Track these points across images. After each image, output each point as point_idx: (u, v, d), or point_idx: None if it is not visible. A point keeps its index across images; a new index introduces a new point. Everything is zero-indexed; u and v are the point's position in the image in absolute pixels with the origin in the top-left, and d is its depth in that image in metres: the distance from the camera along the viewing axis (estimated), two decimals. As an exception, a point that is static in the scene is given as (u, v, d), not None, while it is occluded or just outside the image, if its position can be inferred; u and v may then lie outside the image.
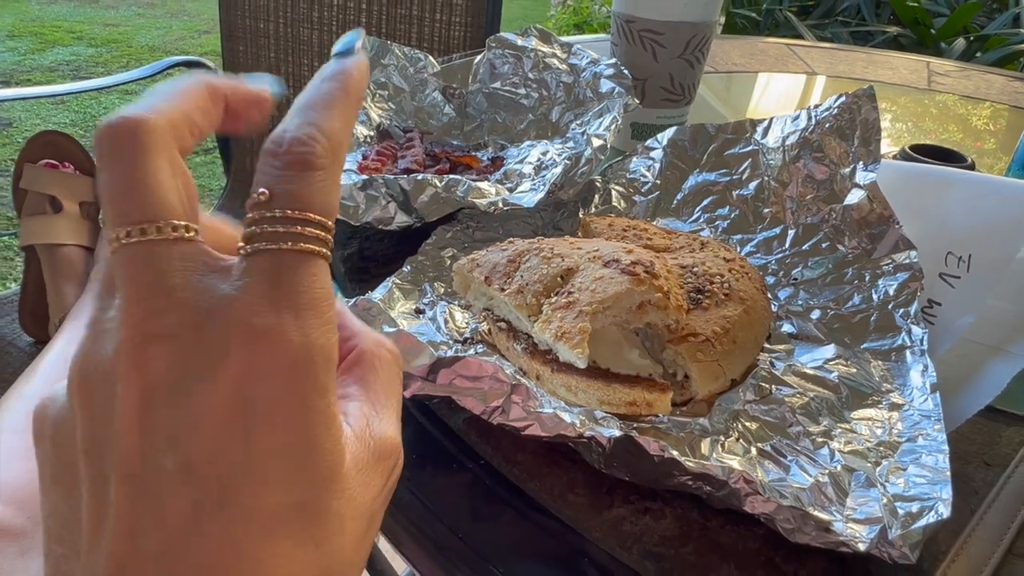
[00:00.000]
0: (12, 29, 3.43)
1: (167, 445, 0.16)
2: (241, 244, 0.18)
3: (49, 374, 0.73)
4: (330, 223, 0.18)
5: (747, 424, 0.36)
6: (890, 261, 0.43)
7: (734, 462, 0.33)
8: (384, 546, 1.11)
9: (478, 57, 0.69)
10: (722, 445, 0.35)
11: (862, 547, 0.29)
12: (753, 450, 0.35)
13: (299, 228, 0.17)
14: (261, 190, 0.18)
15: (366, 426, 0.19)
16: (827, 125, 0.47)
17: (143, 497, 0.16)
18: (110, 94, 2.85)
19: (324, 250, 0.18)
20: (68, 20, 3.61)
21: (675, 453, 0.31)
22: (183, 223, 0.17)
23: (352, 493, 0.18)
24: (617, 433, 0.31)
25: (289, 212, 0.17)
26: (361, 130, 0.63)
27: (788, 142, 0.49)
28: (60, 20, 3.59)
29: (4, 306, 0.95)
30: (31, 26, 3.49)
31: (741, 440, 0.35)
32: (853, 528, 0.30)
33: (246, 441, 0.17)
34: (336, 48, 0.21)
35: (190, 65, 1.25)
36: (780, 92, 1.00)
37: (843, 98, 0.47)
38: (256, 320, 0.17)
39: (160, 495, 0.16)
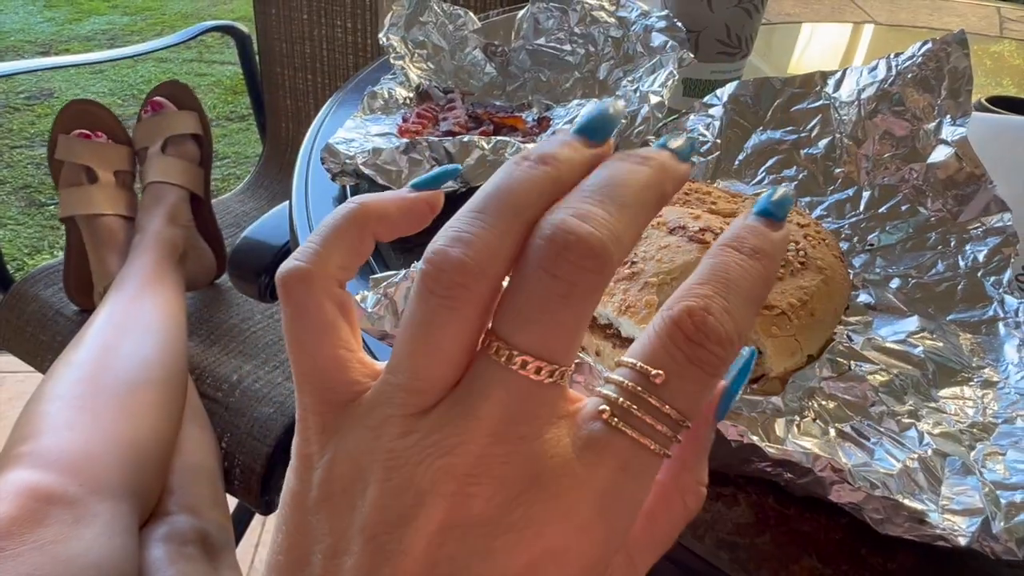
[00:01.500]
0: (49, 0, 3.46)
1: None
2: (606, 409, 0.17)
3: (95, 342, 0.74)
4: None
5: (824, 403, 0.33)
6: (979, 224, 0.40)
7: (811, 445, 0.31)
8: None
9: (521, 12, 0.65)
10: (798, 426, 0.32)
11: (963, 541, 0.27)
12: (832, 431, 0.32)
13: (670, 433, 0.17)
14: (658, 372, 0.16)
15: None
16: (909, 75, 0.43)
17: None
18: (146, 61, 2.86)
19: (667, 455, 0.17)
20: (102, -12, 3.62)
21: (755, 439, 0.28)
22: (562, 368, 0.17)
23: None
24: (690, 416, 0.29)
25: (671, 412, 0.16)
26: (400, 91, 0.60)
27: (864, 95, 0.45)
28: (95, -12, 3.61)
29: (51, 275, 0.96)
30: (67, -5, 3.50)
31: (818, 420, 0.33)
32: (951, 520, 0.27)
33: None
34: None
35: (222, 30, 1.23)
36: (826, 44, 0.94)
37: (929, 44, 0.43)
38: (581, 510, 0.16)
39: None
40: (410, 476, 0.16)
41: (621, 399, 0.16)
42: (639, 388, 0.16)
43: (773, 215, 0.19)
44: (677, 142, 0.19)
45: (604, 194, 0.17)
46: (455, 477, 0.16)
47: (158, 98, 0.98)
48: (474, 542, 0.16)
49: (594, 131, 0.18)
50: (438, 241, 0.17)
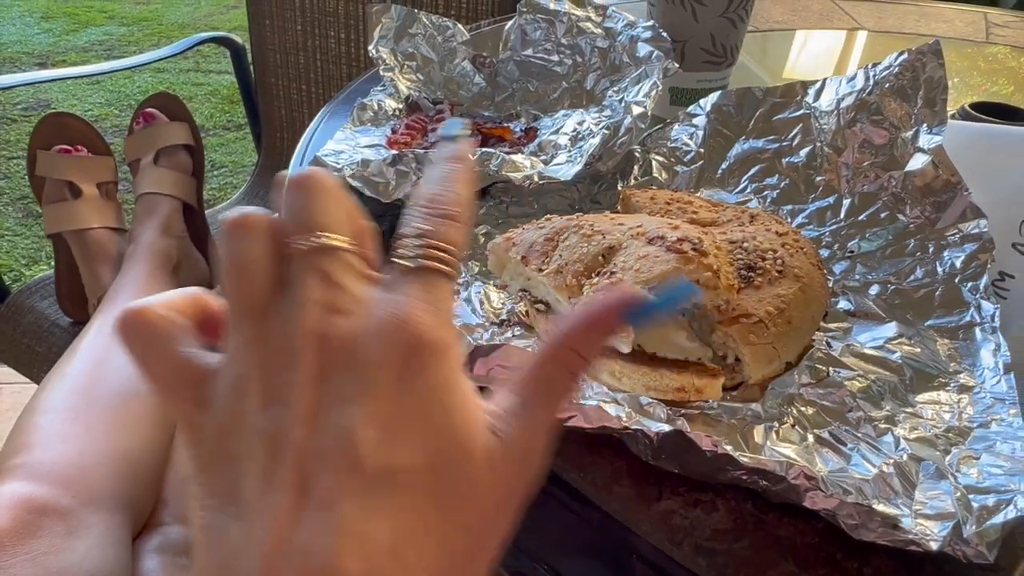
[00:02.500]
0: (46, 11, 3.47)
1: (339, 406, 0.19)
2: (396, 260, 0.21)
3: (88, 354, 0.74)
4: (461, 262, 0.22)
5: (803, 409, 0.34)
6: (956, 231, 0.40)
7: (790, 451, 0.31)
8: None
9: (509, 23, 0.66)
10: (776, 432, 0.33)
11: (934, 546, 0.27)
12: (810, 437, 0.33)
13: (446, 257, 0.21)
14: (422, 227, 0.22)
15: (513, 426, 0.21)
16: (887, 85, 0.44)
17: (315, 456, 0.18)
18: (143, 72, 2.87)
19: (456, 277, 0.22)
20: (100, 0, 3.63)
21: (729, 448, 0.29)
22: (346, 238, 0.21)
23: (481, 482, 0.20)
24: (666, 428, 0.29)
25: (437, 244, 0.21)
26: (389, 103, 0.61)
27: (843, 105, 0.45)
28: (92, 0, 3.62)
29: (47, 287, 0.96)
30: (64, 7, 3.52)
31: (797, 427, 0.33)
32: (924, 524, 0.28)
33: (400, 408, 0.19)
34: (441, 132, 0.25)
35: (218, 41, 1.24)
36: (820, 51, 0.95)
37: (905, 55, 0.43)
38: (414, 316, 0.20)
39: (331, 449, 0.18)
40: (279, 345, 0.20)
41: (401, 251, 0.21)
42: (410, 241, 0.21)
43: (447, 136, 0.24)
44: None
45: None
46: (313, 328, 0.19)
47: (149, 110, 0.98)
48: (351, 367, 0.19)
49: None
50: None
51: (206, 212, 1.04)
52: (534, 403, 0.22)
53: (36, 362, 0.90)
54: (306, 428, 0.19)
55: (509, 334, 0.38)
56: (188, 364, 0.21)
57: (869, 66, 0.45)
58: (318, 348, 0.19)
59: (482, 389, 0.33)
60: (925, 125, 0.42)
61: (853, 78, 0.46)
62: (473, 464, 0.20)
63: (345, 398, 0.19)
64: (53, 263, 0.93)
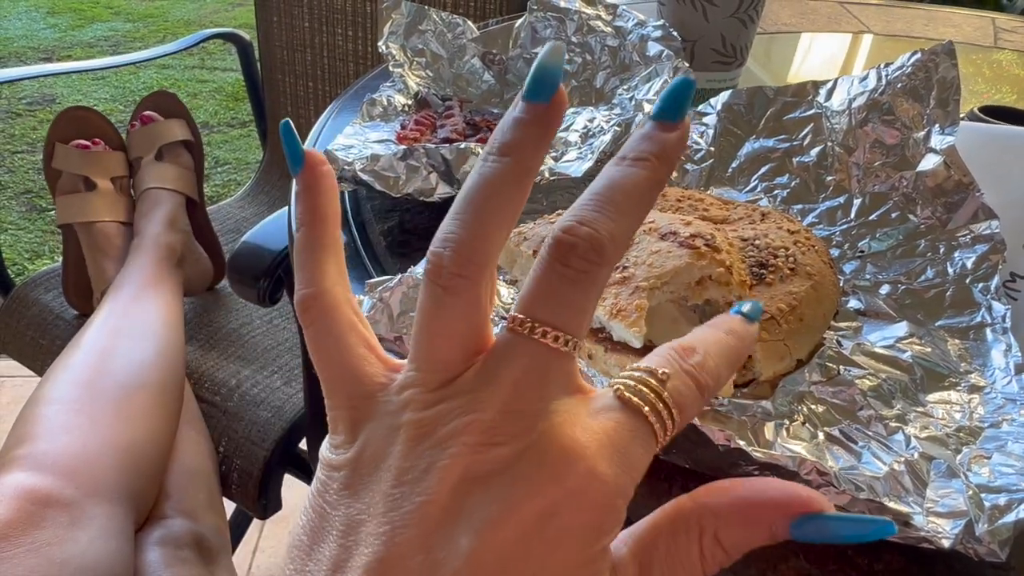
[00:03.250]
0: (52, 6, 3.47)
1: (468, 526, 0.17)
2: (619, 387, 0.19)
3: (92, 346, 0.74)
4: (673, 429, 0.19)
5: (813, 407, 0.34)
6: (968, 232, 0.40)
7: (801, 449, 0.31)
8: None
9: (519, 21, 0.66)
10: (787, 430, 0.32)
11: (946, 543, 0.27)
12: (820, 435, 0.32)
13: (669, 415, 0.19)
14: (663, 369, 0.19)
15: None
16: (899, 85, 0.44)
17: (426, 568, 0.17)
18: (148, 68, 2.87)
19: (664, 441, 0.19)
20: (105, -5, 3.64)
21: (742, 443, 0.29)
22: (575, 339, 0.19)
23: None
24: (680, 419, 0.29)
25: (670, 401, 0.19)
26: (398, 99, 0.61)
27: (855, 104, 0.45)
28: (98, -5, 3.63)
29: (51, 280, 0.97)
30: (70, 2, 3.52)
31: (807, 424, 0.33)
32: (935, 522, 0.28)
33: (528, 551, 0.17)
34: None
35: (225, 37, 1.24)
36: (825, 53, 0.95)
37: (918, 55, 0.43)
38: (592, 461, 0.18)
39: (446, 566, 0.17)
40: (433, 435, 0.18)
41: (630, 382, 0.19)
42: (645, 376, 0.19)
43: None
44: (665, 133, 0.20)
45: (604, 199, 0.19)
46: (478, 430, 0.18)
47: (147, 113, 0.99)
48: (496, 490, 0.17)
49: (539, 91, 0.19)
50: (433, 245, 0.19)
51: (209, 208, 1.04)
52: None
53: (40, 355, 0.90)
54: (422, 538, 0.17)
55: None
56: (360, 371, 0.20)
57: (881, 66, 0.45)
58: (466, 466, 0.17)
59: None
60: (937, 125, 0.42)
61: (865, 78, 0.46)
62: None
63: (477, 518, 0.17)
64: (60, 256, 0.94)
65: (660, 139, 0.19)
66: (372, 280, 0.35)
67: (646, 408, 0.18)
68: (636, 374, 0.19)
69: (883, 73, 0.45)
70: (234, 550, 0.82)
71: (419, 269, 0.38)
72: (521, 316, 0.19)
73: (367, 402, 0.20)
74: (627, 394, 0.19)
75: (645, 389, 0.19)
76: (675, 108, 0.19)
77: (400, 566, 0.17)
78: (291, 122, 0.23)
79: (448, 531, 0.17)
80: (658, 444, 0.19)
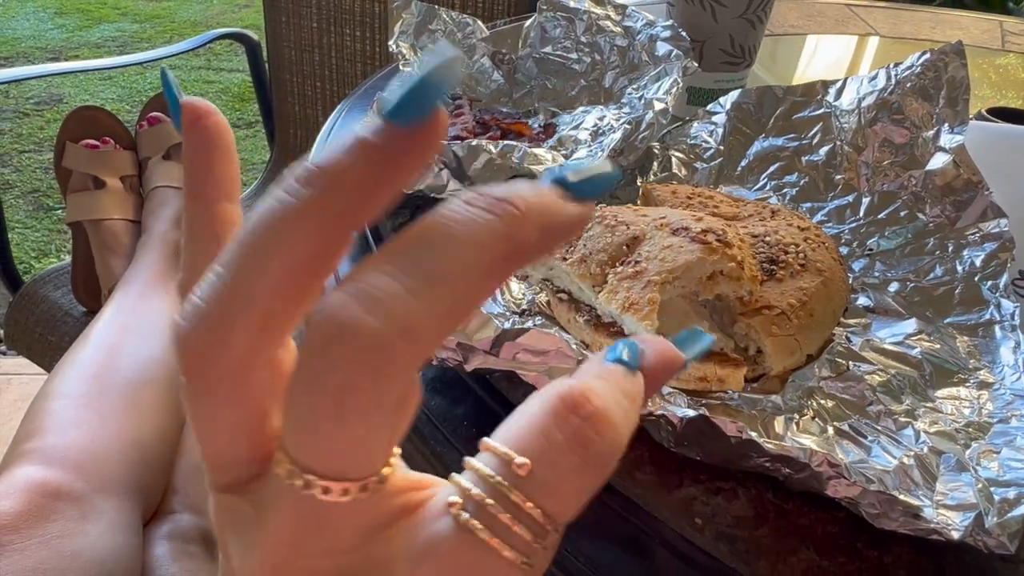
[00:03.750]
0: (60, 7, 3.49)
1: None
2: (457, 501, 0.13)
3: (100, 341, 0.75)
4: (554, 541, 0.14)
5: (822, 402, 0.34)
6: (976, 230, 0.41)
7: (810, 442, 0.31)
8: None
9: (528, 21, 0.67)
10: (797, 424, 0.33)
11: (956, 535, 0.27)
12: (830, 429, 0.33)
13: (534, 540, 0.13)
14: (523, 461, 0.13)
15: None
16: (908, 85, 0.44)
17: None
18: (155, 68, 2.88)
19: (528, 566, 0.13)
20: (113, -4, 3.66)
21: (754, 435, 0.29)
22: (366, 481, 0.13)
23: None
24: (691, 413, 0.30)
25: (537, 515, 0.13)
26: (409, 97, 0.61)
27: (864, 104, 0.46)
28: (105, -4, 3.65)
29: (60, 277, 0.97)
30: (77, 3, 3.54)
31: (817, 419, 0.33)
32: (945, 515, 0.28)
33: None
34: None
35: (233, 37, 1.24)
36: (831, 56, 0.95)
37: (927, 55, 0.43)
38: None
39: None
40: None
41: (469, 487, 0.13)
42: (493, 479, 0.13)
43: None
44: (577, 175, 0.14)
45: (410, 261, 0.12)
46: None
47: (154, 114, 1.00)
48: None
49: (407, 110, 0.12)
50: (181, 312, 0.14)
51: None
52: None
53: (49, 351, 0.91)
54: None
55: (530, 323, 0.38)
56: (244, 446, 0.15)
57: (891, 65, 0.45)
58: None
59: (511, 379, 0.33)
60: (946, 125, 0.42)
61: (874, 77, 0.46)
62: None
63: None
64: (69, 254, 0.94)
65: (519, 197, 0.13)
66: None
67: (487, 536, 0.13)
68: (486, 470, 0.14)
69: (892, 73, 0.45)
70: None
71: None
72: (281, 452, 0.13)
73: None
74: (463, 515, 0.13)
75: (491, 501, 0.13)
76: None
77: None
78: (168, 70, 0.18)
79: None
80: (521, 570, 0.13)
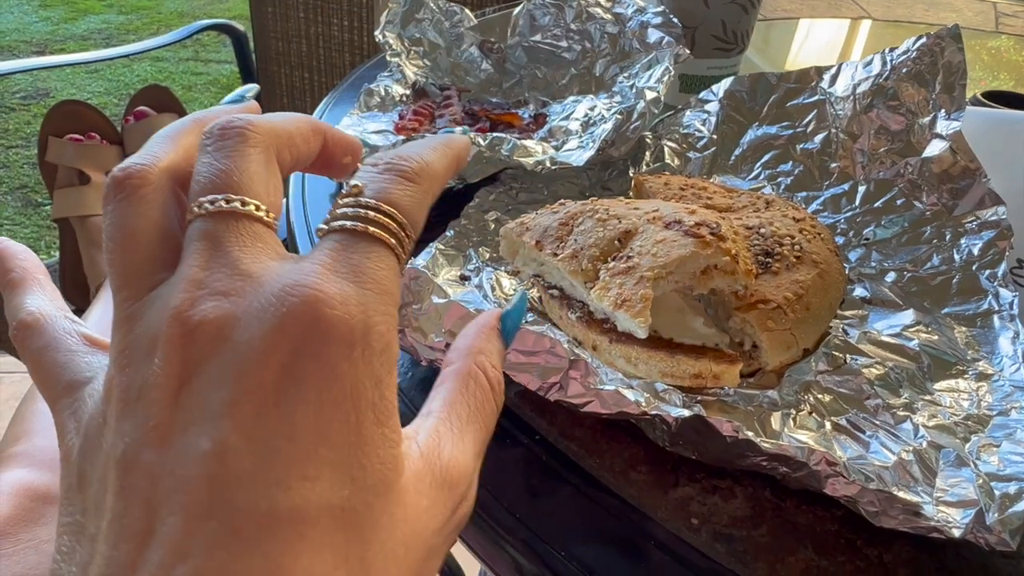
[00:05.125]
0: (44, -2, 3.45)
1: (202, 419, 0.14)
2: (320, 227, 0.18)
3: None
4: (411, 232, 0.18)
5: (820, 396, 0.33)
6: (974, 218, 0.40)
7: (807, 438, 0.31)
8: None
9: (517, 9, 0.65)
10: (793, 420, 0.32)
11: (956, 533, 0.27)
12: (827, 425, 0.32)
13: (380, 217, 0.17)
14: (354, 183, 0.18)
15: (436, 446, 0.17)
16: (904, 70, 0.43)
17: (167, 488, 0.14)
18: (142, 61, 2.85)
19: (400, 247, 0.18)
20: (98, -13, 3.60)
21: (750, 434, 0.28)
22: (264, 207, 0.17)
23: (408, 514, 0.16)
24: (686, 412, 0.29)
25: (373, 203, 0.18)
26: (396, 88, 0.60)
27: (859, 90, 0.45)
28: (90, -12, 3.59)
29: (50, 274, 0.96)
30: (62, -6, 3.49)
31: (814, 414, 0.33)
32: (945, 512, 0.28)
33: (290, 422, 0.14)
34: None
35: (219, 29, 1.23)
36: (824, 40, 0.94)
37: (923, 39, 0.43)
38: (316, 285, 0.15)
39: (187, 480, 0.14)
40: (143, 337, 0.16)
41: (329, 215, 0.18)
42: (341, 202, 0.18)
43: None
44: None
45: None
46: (179, 314, 0.15)
47: (141, 108, 0.98)
48: (220, 369, 0.15)
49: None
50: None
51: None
52: (460, 421, 0.18)
53: (37, 350, 0.90)
54: (158, 449, 0.14)
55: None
56: (62, 367, 0.19)
57: (886, 51, 0.44)
58: (181, 341, 0.15)
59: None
60: (943, 111, 0.42)
61: (869, 63, 0.45)
62: (391, 495, 0.15)
63: (210, 408, 0.14)
64: (57, 250, 0.93)
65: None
66: None
67: (351, 223, 0.17)
68: (336, 203, 0.18)
69: (888, 58, 0.44)
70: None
71: (419, 261, 0.38)
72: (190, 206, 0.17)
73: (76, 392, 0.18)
74: (327, 224, 0.18)
75: (342, 208, 0.18)
76: None
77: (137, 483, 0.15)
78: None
79: (183, 437, 0.15)
80: (394, 252, 0.17)
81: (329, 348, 0.15)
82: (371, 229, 0.17)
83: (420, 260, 0.39)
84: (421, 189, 0.19)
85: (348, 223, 0.17)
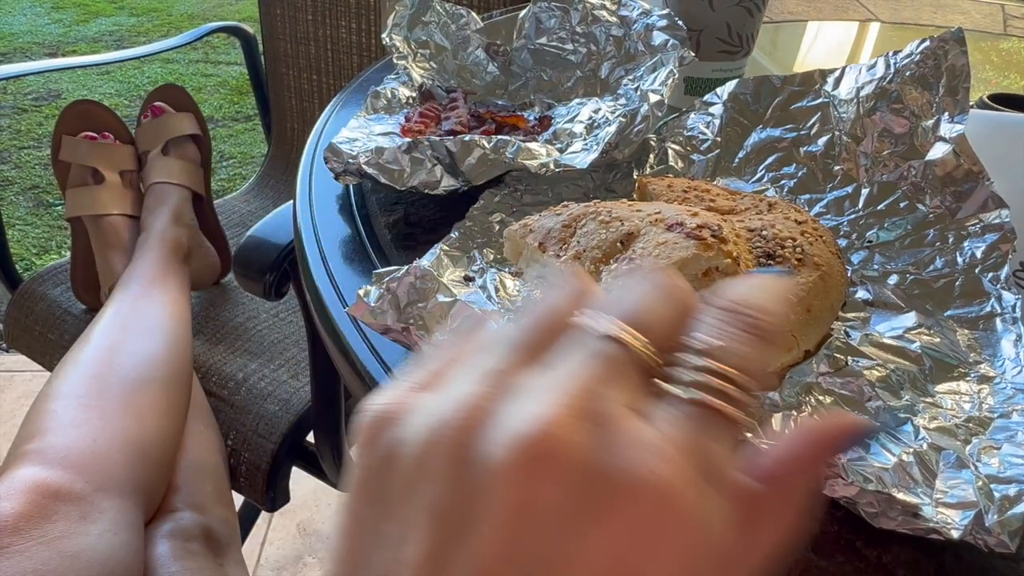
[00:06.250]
0: (56, 2, 3.48)
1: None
2: (665, 383, 0.17)
3: (101, 341, 0.75)
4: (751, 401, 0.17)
5: (821, 398, 0.34)
6: (977, 221, 0.40)
7: (809, 439, 0.31)
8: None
9: (523, 12, 0.66)
10: (794, 421, 0.32)
11: (955, 534, 0.27)
12: (828, 426, 0.32)
13: (731, 389, 0.16)
14: (703, 338, 0.17)
15: None
16: (908, 73, 0.43)
17: None
18: (152, 63, 2.87)
19: (746, 423, 0.17)
20: (109, -10, 3.63)
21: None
22: (653, 352, 0.17)
23: None
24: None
25: (723, 372, 0.16)
26: (403, 91, 0.61)
27: (863, 93, 0.45)
28: (102, -10, 3.62)
29: (59, 274, 0.97)
30: (74, -3, 3.52)
31: (815, 415, 0.33)
32: (944, 513, 0.28)
33: None
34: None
35: (228, 31, 1.24)
36: (832, 42, 0.94)
37: (927, 42, 0.43)
38: (671, 478, 0.15)
39: None
40: (494, 428, 0.15)
41: (686, 373, 0.17)
42: (696, 362, 0.17)
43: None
44: None
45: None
46: (547, 429, 0.15)
47: (157, 103, 0.99)
48: (558, 530, 0.14)
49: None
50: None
51: (214, 202, 1.04)
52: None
53: (48, 349, 0.91)
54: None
55: (525, 321, 0.38)
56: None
57: (890, 54, 0.45)
58: (531, 462, 0.14)
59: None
60: (947, 114, 0.42)
61: (873, 66, 0.45)
62: None
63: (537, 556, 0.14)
64: (67, 251, 0.94)
65: None
66: (379, 270, 0.35)
67: (714, 402, 0.16)
68: (691, 359, 0.17)
69: (891, 61, 0.44)
70: (243, 542, 0.83)
71: (425, 261, 0.38)
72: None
73: None
74: (685, 391, 0.16)
75: (699, 377, 0.16)
76: None
77: None
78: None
79: None
80: (736, 425, 0.17)
81: (666, 556, 0.15)
82: (724, 408, 0.16)
83: (425, 261, 0.39)
84: (774, 348, 0.17)
85: (704, 398, 0.16)
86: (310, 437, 0.81)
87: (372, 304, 0.33)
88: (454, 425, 0.15)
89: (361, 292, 0.34)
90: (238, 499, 0.79)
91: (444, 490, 0.15)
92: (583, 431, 0.15)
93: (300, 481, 0.83)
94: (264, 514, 1.20)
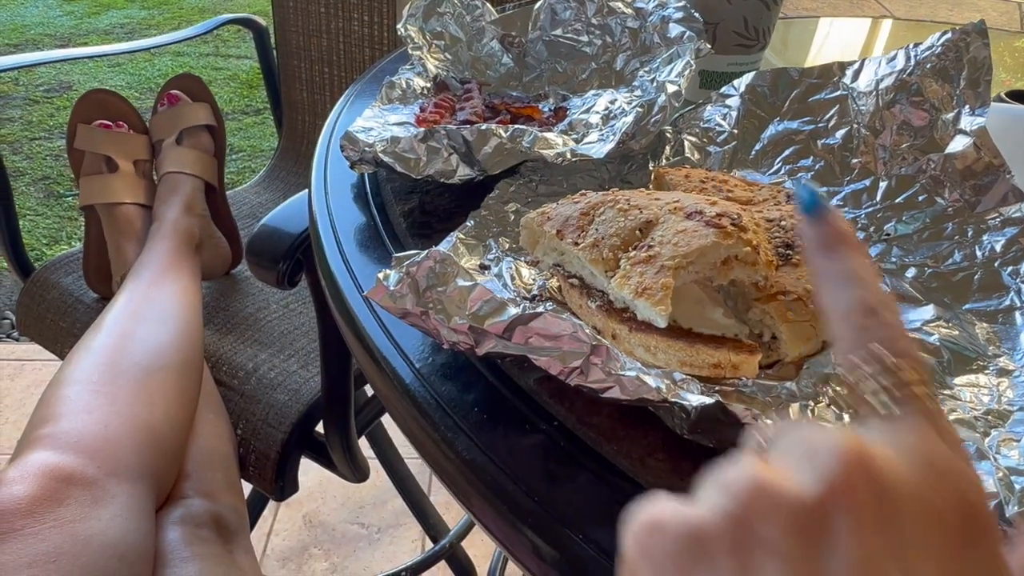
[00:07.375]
0: (68, -7, 3.49)
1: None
2: (885, 399, 0.18)
3: (113, 328, 0.75)
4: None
5: (838, 389, 0.33)
6: (997, 215, 0.40)
7: (827, 429, 0.31)
8: (436, 500, 1.13)
9: (538, 3, 0.66)
10: (812, 411, 0.32)
11: (976, 524, 0.27)
12: (846, 417, 0.32)
13: (923, 387, 0.18)
14: (877, 353, 0.19)
15: None
16: (928, 65, 0.43)
17: None
18: (163, 55, 2.88)
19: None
20: (121, -17, 3.65)
21: (768, 423, 0.28)
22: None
23: None
24: (705, 400, 0.29)
25: (912, 379, 0.18)
26: (417, 81, 0.61)
27: (882, 86, 0.45)
28: (113, -17, 3.64)
29: (71, 263, 0.97)
30: (86, -11, 3.54)
31: (832, 406, 0.33)
32: (965, 503, 0.28)
33: None
34: (799, 200, 0.21)
35: (240, 23, 1.24)
36: (844, 39, 0.94)
37: (949, 34, 0.42)
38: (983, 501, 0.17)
39: None
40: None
41: (876, 387, 0.19)
42: (894, 367, 0.19)
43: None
44: None
45: None
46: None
47: (174, 91, 0.99)
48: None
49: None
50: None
51: (227, 194, 1.04)
52: None
53: (60, 337, 0.91)
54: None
55: (541, 309, 0.38)
56: None
57: (910, 46, 0.44)
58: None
59: (521, 365, 0.33)
60: (967, 106, 0.41)
61: (893, 58, 0.45)
62: None
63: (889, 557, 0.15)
64: (80, 241, 0.94)
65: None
66: (399, 254, 0.35)
67: (920, 403, 0.18)
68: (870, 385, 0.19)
69: (912, 53, 0.44)
70: (251, 530, 0.83)
71: (443, 246, 0.38)
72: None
73: None
74: (894, 396, 0.18)
75: (894, 380, 0.18)
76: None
77: None
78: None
79: None
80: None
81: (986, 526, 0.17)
82: (929, 406, 0.18)
83: (442, 247, 0.39)
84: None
85: (912, 405, 0.18)
86: (319, 427, 0.81)
87: (392, 288, 0.33)
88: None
89: (380, 276, 0.34)
90: (246, 487, 0.80)
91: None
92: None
93: (306, 472, 0.83)
94: (270, 505, 1.20)
